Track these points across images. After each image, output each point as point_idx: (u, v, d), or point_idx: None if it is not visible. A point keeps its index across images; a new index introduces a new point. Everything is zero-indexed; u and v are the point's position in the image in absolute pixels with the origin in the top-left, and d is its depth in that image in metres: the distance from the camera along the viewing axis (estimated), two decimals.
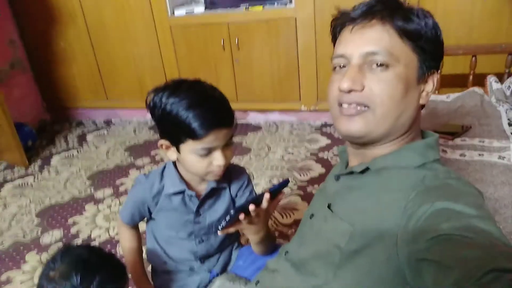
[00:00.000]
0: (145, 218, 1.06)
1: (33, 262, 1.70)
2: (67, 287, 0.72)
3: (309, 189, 2.03)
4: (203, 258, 1.07)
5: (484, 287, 0.44)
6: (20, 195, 2.24)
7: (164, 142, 0.92)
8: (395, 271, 0.61)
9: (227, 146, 0.91)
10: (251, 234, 0.96)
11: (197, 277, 1.07)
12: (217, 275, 1.10)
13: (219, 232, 0.83)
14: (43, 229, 1.92)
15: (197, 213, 1.00)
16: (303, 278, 0.73)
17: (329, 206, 0.75)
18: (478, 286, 0.44)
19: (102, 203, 2.10)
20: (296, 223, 1.79)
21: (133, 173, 2.38)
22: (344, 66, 0.73)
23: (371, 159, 0.73)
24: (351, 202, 0.72)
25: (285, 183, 0.85)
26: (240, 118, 2.86)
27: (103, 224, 1.92)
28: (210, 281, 1.08)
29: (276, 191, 0.84)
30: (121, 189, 2.22)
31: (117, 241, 1.77)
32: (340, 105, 0.72)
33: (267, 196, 0.82)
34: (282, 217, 1.84)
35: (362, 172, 0.73)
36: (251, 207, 0.80)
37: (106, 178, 2.35)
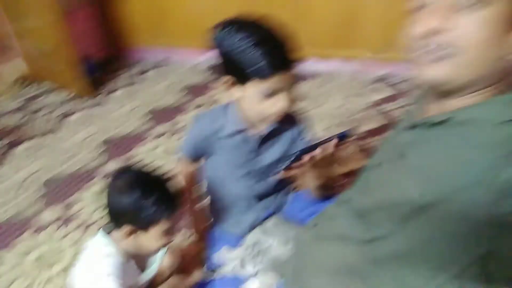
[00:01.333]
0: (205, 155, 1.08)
1: (99, 185, 1.85)
2: (130, 196, 0.82)
3: (367, 140, 1.97)
4: (259, 197, 1.08)
5: None
6: (87, 124, 2.39)
7: (228, 79, 0.90)
8: (470, 229, 0.57)
9: (290, 90, 0.87)
10: (312, 179, 0.95)
11: (252, 215, 1.09)
12: (272, 214, 1.12)
13: (280, 173, 0.83)
14: (109, 157, 2.06)
15: (257, 152, 1.00)
16: (366, 227, 0.71)
17: (401, 156, 0.71)
18: None
19: (163, 136, 2.19)
20: (352, 173, 1.75)
21: (191, 111, 2.43)
22: (427, 5, 0.64)
23: (453, 109, 0.67)
24: (428, 153, 0.67)
25: (350, 132, 0.82)
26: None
27: (163, 156, 2.02)
28: (264, 220, 1.10)
29: (343, 138, 0.81)
30: (179, 125, 2.29)
31: (175, 174, 1.86)
32: (422, 48, 0.65)
33: (334, 141, 0.79)
34: (338, 166, 1.81)
35: (442, 122, 0.67)
36: (318, 150, 0.78)
37: (165, 114, 2.42)
